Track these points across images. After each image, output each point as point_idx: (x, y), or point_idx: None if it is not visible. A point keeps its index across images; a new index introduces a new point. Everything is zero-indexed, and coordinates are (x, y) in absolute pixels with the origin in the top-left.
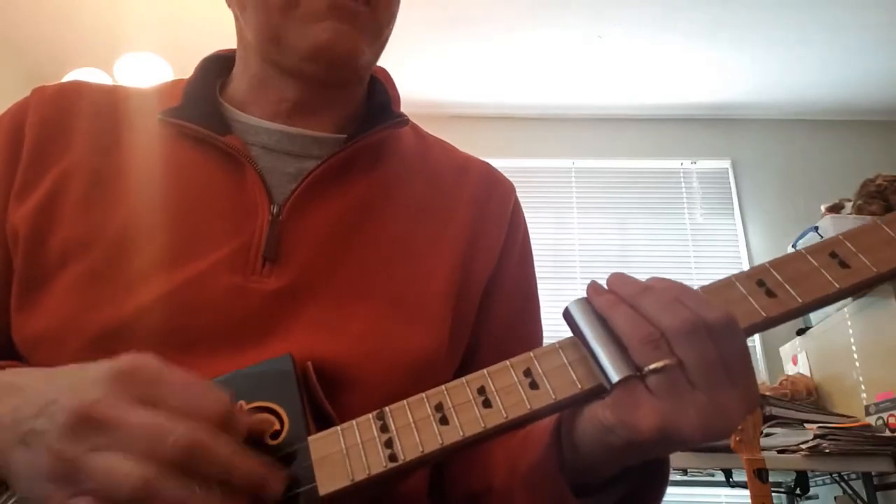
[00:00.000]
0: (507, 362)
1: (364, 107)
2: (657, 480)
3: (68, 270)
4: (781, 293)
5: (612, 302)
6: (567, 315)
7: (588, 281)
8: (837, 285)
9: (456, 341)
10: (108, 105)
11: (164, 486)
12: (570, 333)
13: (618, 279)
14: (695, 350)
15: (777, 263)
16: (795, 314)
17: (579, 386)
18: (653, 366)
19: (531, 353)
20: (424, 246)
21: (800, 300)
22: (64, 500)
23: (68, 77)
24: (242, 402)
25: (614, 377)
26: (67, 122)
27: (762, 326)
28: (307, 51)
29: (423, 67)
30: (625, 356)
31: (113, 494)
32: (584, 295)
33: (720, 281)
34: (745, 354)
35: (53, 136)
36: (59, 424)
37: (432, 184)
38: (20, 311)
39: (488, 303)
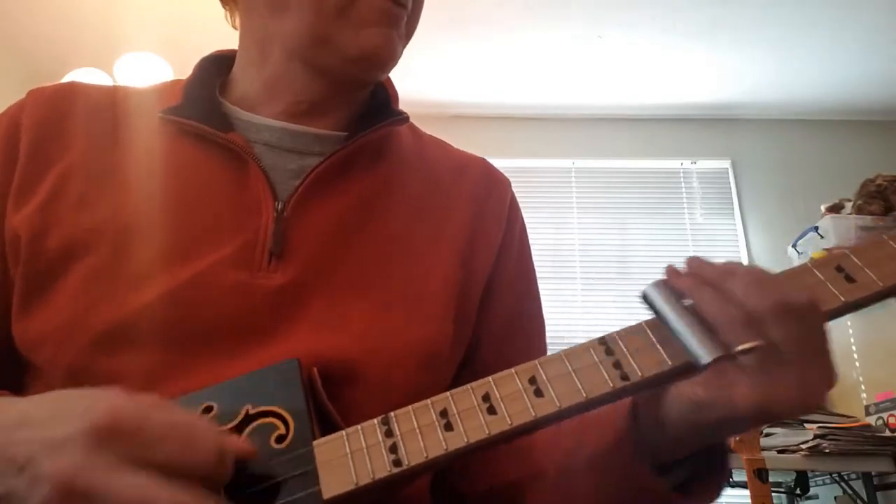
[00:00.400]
0: (514, 370)
1: (364, 105)
2: (719, 467)
3: (71, 270)
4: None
5: (697, 283)
6: (646, 297)
7: (588, 281)
8: (843, 299)
9: (458, 339)
10: (107, 105)
11: None
12: (566, 332)
13: (698, 263)
14: (784, 330)
15: (783, 276)
16: None
17: (611, 385)
18: (744, 346)
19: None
20: (425, 244)
21: None
22: None
23: (68, 77)
24: (249, 406)
25: (704, 358)
26: (65, 122)
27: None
28: (357, 53)
29: (424, 67)
30: (713, 337)
31: None
32: (653, 282)
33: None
34: (826, 333)
35: (51, 138)
36: (42, 495)
37: (431, 182)
38: (23, 312)
39: (488, 300)
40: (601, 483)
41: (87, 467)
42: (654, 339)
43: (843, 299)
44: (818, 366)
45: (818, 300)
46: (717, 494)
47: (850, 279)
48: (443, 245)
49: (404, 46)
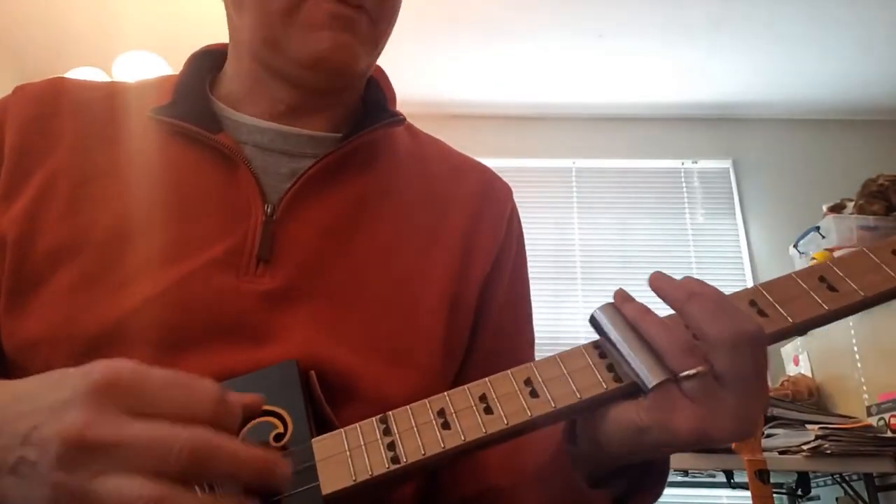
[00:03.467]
0: (509, 372)
1: (359, 105)
2: (658, 474)
3: (59, 274)
4: (772, 313)
5: (643, 311)
6: (594, 321)
7: (588, 281)
8: (826, 307)
9: (452, 345)
10: (95, 102)
11: (177, 501)
12: (566, 332)
13: (660, 280)
14: (734, 360)
15: (768, 285)
16: (787, 334)
17: (604, 387)
18: (689, 372)
19: (556, 357)
20: (417, 252)
21: (790, 320)
22: None
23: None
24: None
25: (651, 381)
26: (52, 121)
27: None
28: (306, 59)
29: (423, 67)
30: (659, 361)
31: None
32: (597, 303)
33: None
34: (766, 363)
35: (38, 137)
36: (53, 454)
37: (427, 185)
38: (10, 316)
39: (480, 311)
40: (546, 498)
41: (94, 421)
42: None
43: (826, 308)
44: (757, 393)
45: (764, 329)
46: (655, 499)
47: (832, 289)
48: (436, 254)
49: (373, 49)
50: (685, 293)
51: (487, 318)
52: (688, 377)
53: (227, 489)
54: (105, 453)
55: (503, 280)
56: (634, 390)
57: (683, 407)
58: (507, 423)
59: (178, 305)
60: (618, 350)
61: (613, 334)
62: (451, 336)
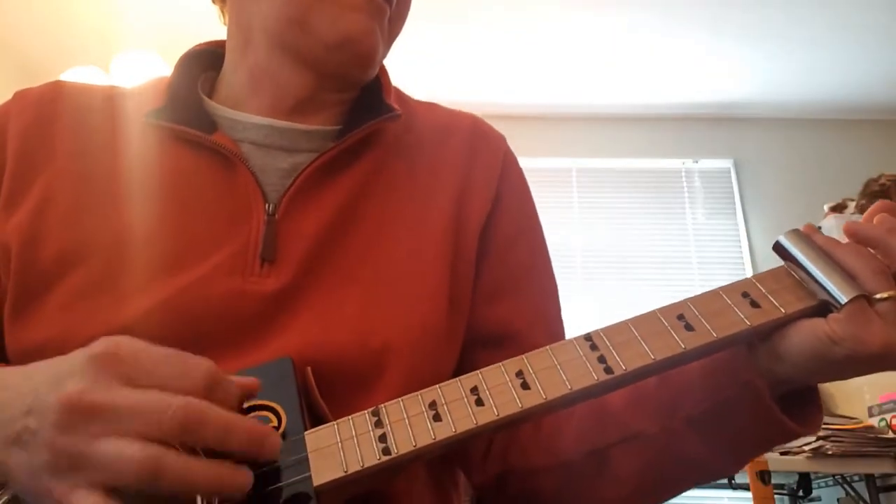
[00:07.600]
0: (501, 364)
1: (355, 97)
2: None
3: (64, 281)
4: (765, 304)
5: (835, 240)
6: (779, 246)
7: (589, 281)
8: (749, 323)
9: (457, 306)
10: (94, 107)
11: (169, 462)
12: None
13: (854, 224)
14: None
15: (759, 277)
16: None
17: (595, 378)
18: (882, 294)
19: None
20: (414, 223)
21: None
22: (68, 492)
23: (65, 76)
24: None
25: (850, 293)
26: (52, 127)
27: (747, 335)
28: (335, 39)
29: (422, 66)
30: (853, 281)
31: (121, 478)
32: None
33: (708, 292)
34: None
35: (38, 143)
36: (51, 420)
37: (419, 157)
38: (15, 322)
39: (495, 254)
40: (714, 401)
41: (89, 388)
42: (637, 335)
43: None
44: None
45: None
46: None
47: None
48: (432, 218)
49: (387, 46)
50: (883, 229)
51: (506, 257)
52: (882, 299)
53: (220, 457)
54: (101, 417)
55: (510, 220)
56: (651, 372)
57: (876, 323)
58: (498, 415)
59: (185, 312)
60: (807, 270)
61: (803, 255)
62: (454, 297)
